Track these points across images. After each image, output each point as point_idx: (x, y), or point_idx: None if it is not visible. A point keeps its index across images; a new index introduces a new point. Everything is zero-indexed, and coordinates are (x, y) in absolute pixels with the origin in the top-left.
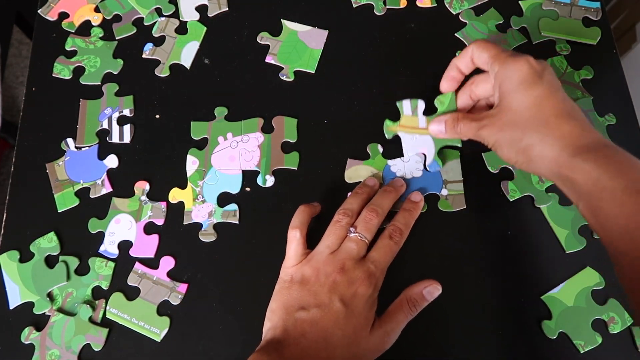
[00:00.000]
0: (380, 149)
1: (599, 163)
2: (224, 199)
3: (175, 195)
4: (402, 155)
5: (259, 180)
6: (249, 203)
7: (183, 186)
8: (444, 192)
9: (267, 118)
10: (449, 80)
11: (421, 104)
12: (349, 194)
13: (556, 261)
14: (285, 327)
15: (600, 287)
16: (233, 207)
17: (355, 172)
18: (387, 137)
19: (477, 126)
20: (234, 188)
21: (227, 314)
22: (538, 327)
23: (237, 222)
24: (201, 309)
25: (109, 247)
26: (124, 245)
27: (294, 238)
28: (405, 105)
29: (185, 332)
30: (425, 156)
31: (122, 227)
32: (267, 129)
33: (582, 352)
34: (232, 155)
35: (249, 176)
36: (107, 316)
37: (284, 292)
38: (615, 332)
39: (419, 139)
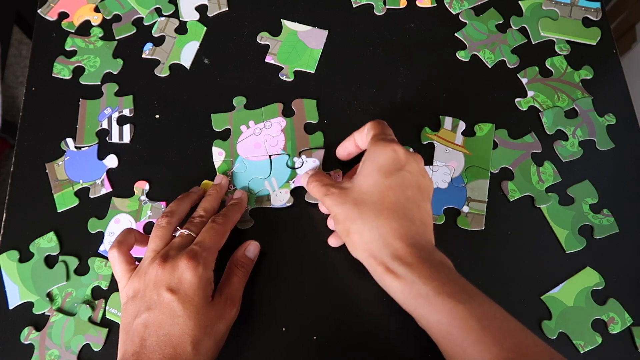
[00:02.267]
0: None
1: (414, 268)
2: (255, 186)
3: (207, 187)
4: (432, 164)
5: (288, 163)
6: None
7: (212, 177)
8: (465, 209)
9: (286, 102)
10: (343, 150)
11: (462, 124)
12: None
13: (556, 261)
14: (125, 349)
15: (600, 287)
16: (266, 192)
17: None
18: (422, 142)
19: (324, 192)
20: (264, 174)
21: None
22: (538, 327)
23: (271, 206)
24: None
25: (109, 247)
26: None
27: (114, 258)
28: (447, 121)
29: None
30: (454, 170)
31: (121, 227)
32: (287, 113)
33: (582, 352)
34: (257, 142)
35: (276, 161)
36: (106, 316)
37: (123, 315)
38: (615, 332)
39: (451, 152)
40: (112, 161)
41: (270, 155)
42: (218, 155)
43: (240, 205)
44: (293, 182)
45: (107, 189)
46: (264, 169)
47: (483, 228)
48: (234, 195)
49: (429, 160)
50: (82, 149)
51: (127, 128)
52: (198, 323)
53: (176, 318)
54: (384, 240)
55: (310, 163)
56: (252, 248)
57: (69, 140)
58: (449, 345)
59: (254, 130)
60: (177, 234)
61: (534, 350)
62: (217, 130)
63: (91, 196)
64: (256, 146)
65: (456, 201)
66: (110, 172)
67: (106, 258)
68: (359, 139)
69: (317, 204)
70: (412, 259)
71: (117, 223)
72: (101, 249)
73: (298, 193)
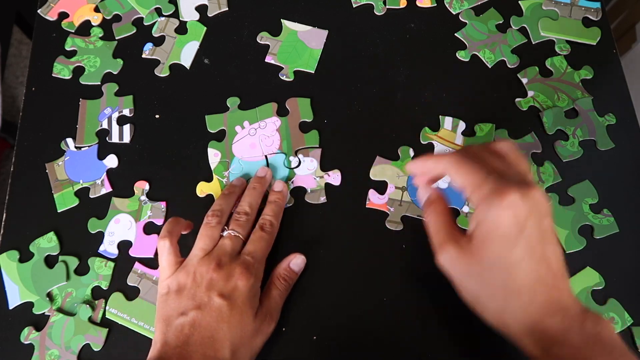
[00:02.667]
0: (411, 152)
1: (577, 347)
2: None
3: (203, 189)
4: None
5: (285, 163)
6: None
7: (209, 179)
8: (465, 209)
9: (281, 102)
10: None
11: (462, 124)
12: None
13: None
14: (165, 340)
15: (600, 287)
16: None
17: (382, 170)
18: (422, 142)
19: (439, 241)
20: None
21: None
22: None
23: None
24: None
25: (109, 247)
26: (124, 245)
27: (164, 248)
28: (447, 121)
29: None
30: None
31: (121, 227)
32: (282, 112)
33: None
34: (253, 143)
35: (272, 161)
36: (106, 316)
37: (162, 305)
38: None
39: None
40: (112, 161)
41: (266, 155)
42: (214, 156)
43: (281, 204)
44: (292, 182)
45: (107, 189)
46: None
47: None
48: (275, 186)
49: None
50: (82, 149)
51: (127, 128)
52: (240, 333)
53: (222, 323)
54: (533, 322)
55: (307, 162)
56: (298, 261)
57: (69, 140)
58: None
59: (249, 130)
60: (225, 234)
61: None
62: (211, 131)
63: (91, 196)
64: (252, 146)
65: (456, 201)
66: (110, 172)
67: (106, 258)
68: (433, 172)
69: (317, 204)
70: (571, 335)
71: (117, 223)
72: (101, 249)
73: (298, 193)
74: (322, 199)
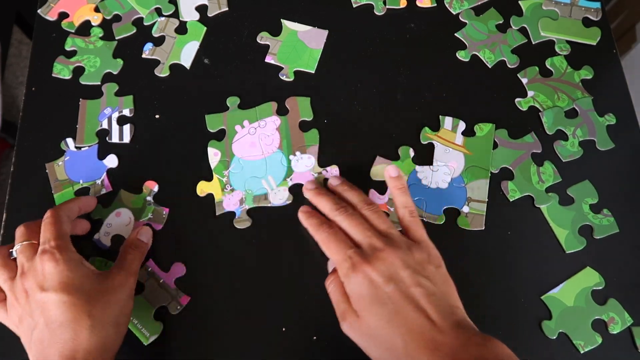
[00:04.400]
0: (411, 153)
1: None
2: (252, 186)
3: (203, 188)
4: (432, 164)
5: (283, 161)
6: None
7: (209, 178)
8: (465, 209)
9: (280, 101)
10: None
11: (462, 124)
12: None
13: (556, 261)
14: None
15: (600, 287)
16: (263, 190)
17: (382, 170)
18: (422, 142)
19: (341, 313)
20: (260, 173)
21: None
22: (538, 327)
23: (270, 205)
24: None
25: (103, 237)
26: (117, 241)
27: None
28: (447, 121)
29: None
30: (454, 170)
31: (120, 221)
32: (281, 111)
33: (582, 352)
34: (253, 142)
35: (270, 159)
36: None
37: (22, 336)
38: (615, 332)
39: (451, 152)
40: (112, 161)
41: (265, 155)
42: (214, 156)
43: (81, 201)
44: (291, 179)
45: (107, 189)
46: (260, 168)
47: (483, 228)
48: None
49: (429, 161)
50: (82, 149)
51: (127, 128)
52: (85, 302)
53: (61, 311)
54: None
55: (305, 159)
56: (143, 231)
57: (69, 140)
58: None
59: (249, 129)
60: (17, 248)
61: None
62: (211, 130)
63: None
64: (251, 146)
65: (456, 201)
66: (110, 172)
67: (98, 248)
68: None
69: None
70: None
71: (118, 216)
72: (95, 237)
73: (297, 190)
74: None
